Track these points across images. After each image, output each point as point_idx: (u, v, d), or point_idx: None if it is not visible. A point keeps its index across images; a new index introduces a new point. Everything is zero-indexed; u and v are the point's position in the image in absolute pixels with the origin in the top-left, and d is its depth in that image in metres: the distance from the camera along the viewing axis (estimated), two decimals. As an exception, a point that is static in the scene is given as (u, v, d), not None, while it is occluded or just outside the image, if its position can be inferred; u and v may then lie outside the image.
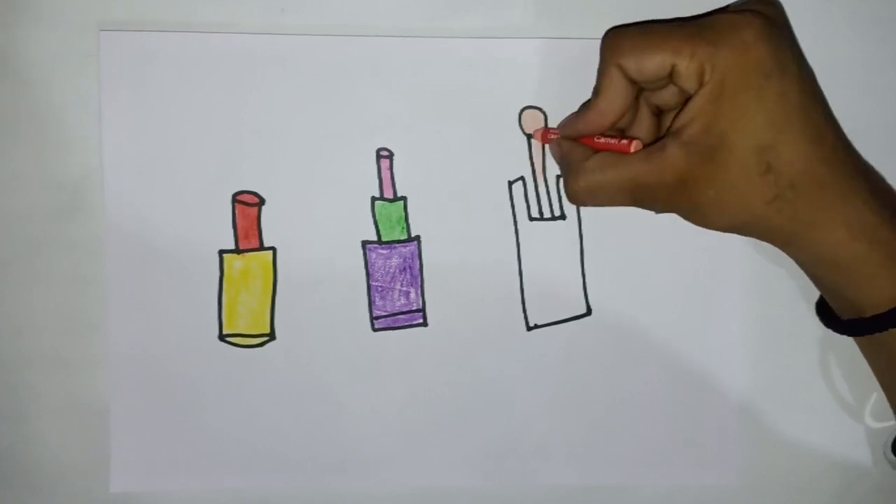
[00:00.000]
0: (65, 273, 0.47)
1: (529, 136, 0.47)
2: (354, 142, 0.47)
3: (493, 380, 0.48)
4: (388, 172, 0.47)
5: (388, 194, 0.47)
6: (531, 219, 0.47)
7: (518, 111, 0.47)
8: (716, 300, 0.48)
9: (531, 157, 0.47)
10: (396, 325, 0.47)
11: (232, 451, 0.48)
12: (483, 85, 0.47)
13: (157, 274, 0.47)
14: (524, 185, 0.47)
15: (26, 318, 0.47)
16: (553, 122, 0.47)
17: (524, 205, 0.47)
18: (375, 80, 0.47)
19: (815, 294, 0.47)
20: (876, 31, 0.48)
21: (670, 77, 0.40)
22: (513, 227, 0.47)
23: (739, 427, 0.48)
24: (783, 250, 0.42)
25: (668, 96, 0.43)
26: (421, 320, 0.47)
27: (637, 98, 0.43)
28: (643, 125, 0.44)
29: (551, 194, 0.47)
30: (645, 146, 0.41)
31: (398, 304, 0.47)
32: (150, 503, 0.48)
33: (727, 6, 0.44)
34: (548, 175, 0.47)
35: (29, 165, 0.46)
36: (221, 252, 0.47)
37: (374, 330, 0.47)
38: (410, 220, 0.47)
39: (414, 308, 0.47)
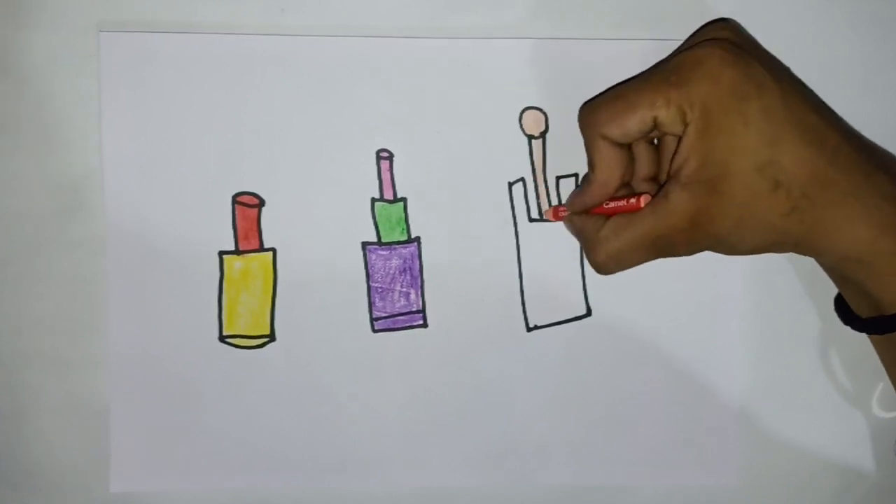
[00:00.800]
0: (65, 273, 0.47)
1: (530, 137, 0.47)
2: (354, 142, 0.47)
3: (494, 380, 0.48)
4: (388, 173, 0.47)
5: (388, 195, 0.47)
6: (531, 220, 0.47)
7: (518, 111, 0.47)
8: (716, 300, 0.48)
9: (531, 158, 0.47)
10: (396, 326, 0.47)
11: (232, 451, 0.48)
12: (483, 85, 0.47)
13: (157, 274, 0.47)
14: (524, 185, 0.47)
15: (26, 318, 0.47)
16: (553, 123, 0.47)
17: (524, 206, 0.47)
18: (375, 80, 0.47)
19: (815, 295, 0.47)
20: (876, 31, 0.48)
21: (656, 128, 0.41)
22: (513, 228, 0.47)
23: (739, 427, 0.48)
24: (814, 258, 0.42)
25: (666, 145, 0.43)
26: (421, 321, 0.47)
27: (630, 148, 0.43)
28: (643, 161, 0.44)
29: (551, 195, 0.47)
30: (652, 196, 0.41)
31: (398, 305, 0.47)
32: (150, 503, 0.48)
33: (686, 42, 0.44)
34: (548, 176, 0.47)
35: (29, 165, 0.46)
36: (221, 253, 0.47)
37: (374, 331, 0.47)
38: (410, 221, 0.47)
39: (414, 309, 0.47)
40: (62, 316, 0.47)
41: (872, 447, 0.49)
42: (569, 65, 0.47)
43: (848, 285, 0.43)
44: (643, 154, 0.44)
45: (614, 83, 0.45)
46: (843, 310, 0.44)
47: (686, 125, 0.40)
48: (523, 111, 0.47)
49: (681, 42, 0.45)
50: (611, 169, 0.42)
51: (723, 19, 0.45)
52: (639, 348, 0.48)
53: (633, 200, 0.42)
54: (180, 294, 0.47)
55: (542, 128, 0.47)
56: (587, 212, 0.44)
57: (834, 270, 0.43)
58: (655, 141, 0.44)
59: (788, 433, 0.49)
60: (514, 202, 0.47)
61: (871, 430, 0.49)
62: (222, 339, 0.47)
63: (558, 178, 0.47)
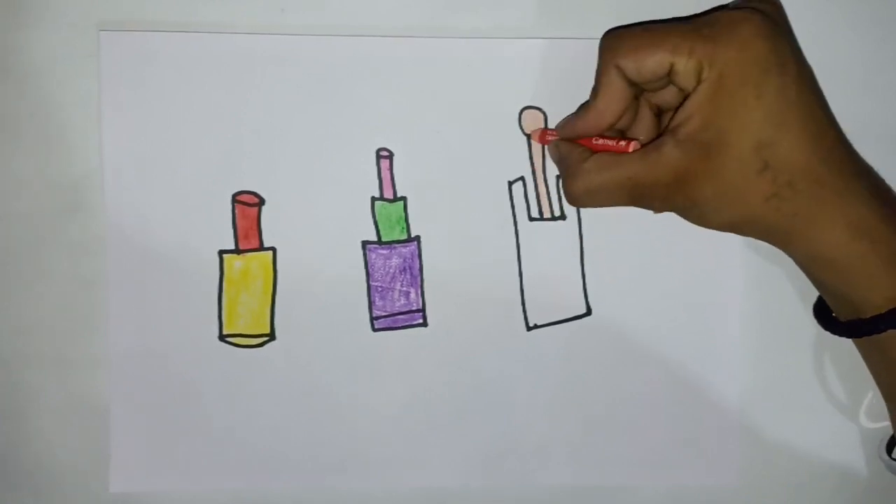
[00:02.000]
0: (65, 273, 0.47)
1: (529, 137, 0.47)
2: (354, 142, 0.47)
3: (493, 380, 0.48)
4: (388, 173, 0.47)
5: (388, 194, 0.47)
6: (531, 219, 0.47)
7: (518, 111, 0.47)
8: (716, 301, 0.48)
9: (531, 158, 0.47)
10: (396, 325, 0.47)
11: (232, 451, 0.48)
12: (483, 85, 0.47)
13: (157, 274, 0.47)
14: (524, 185, 0.47)
15: (26, 318, 0.47)
16: (553, 123, 0.47)
17: (524, 205, 0.47)
18: (375, 80, 0.47)
19: (814, 295, 0.47)
20: (876, 31, 0.48)
21: (669, 76, 0.40)
22: (513, 228, 0.47)
23: (739, 427, 0.48)
24: (782, 249, 0.42)
25: (668, 96, 0.43)
26: (421, 320, 0.47)
27: (637, 98, 0.43)
28: (644, 125, 0.44)
29: (551, 194, 0.47)
30: (643, 145, 0.41)
31: (398, 304, 0.47)
32: (150, 503, 0.48)
33: (726, 4, 0.44)
34: (548, 175, 0.47)
35: (29, 165, 0.46)
36: (221, 252, 0.47)
37: (374, 330, 0.47)
38: (410, 221, 0.47)
39: (414, 308, 0.47)
40: (62, 316, 0.47)
41: (865, 448, 0.49)
42: (569, 65, 0.47)
43: (825, 288, 0.43)
44: (644, 119, 0.44)
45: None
46: (822, 314, 0.44)
47: (699, 83, 0.39)
48: (523, 111, 0.47)
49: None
50: (612, 101, 0.41)
51: None
52: (639, 348, 0.48)
53: (622, 143, 0.42)
54: (180, 294, 0.47)
55: (542, 127, 0.47)
56: (575, 140, 0.44)
57: (810, 272, 0.43)
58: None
59: (788, 433, 0.49)
60: (514, 201, 0.47)
61: (864, 431, 0.49)
62: (222, 338, 0.47)
63: (558, 177, 0.47)
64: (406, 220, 0.47)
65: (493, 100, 0.47)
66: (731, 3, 0.44)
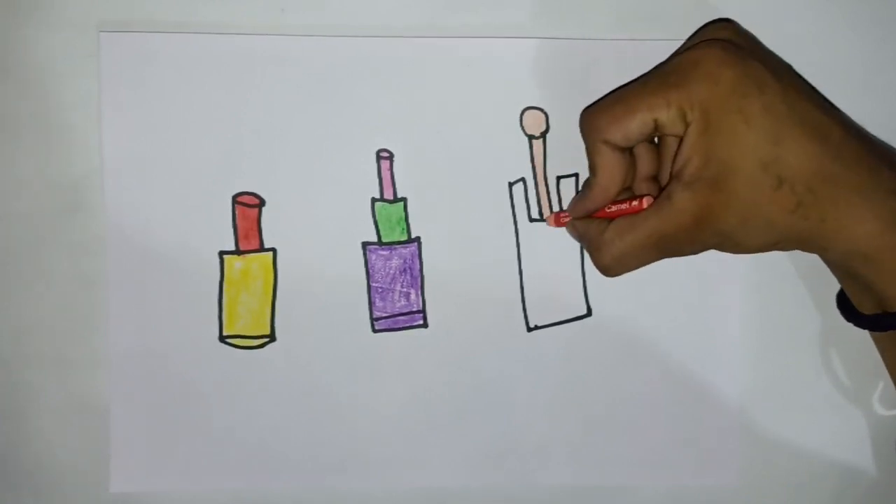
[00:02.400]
0: (65, 273, 0.47)
1: (530, 137, 0.47)
2: (354, 143, 0.47)
3: (494, 381, 0.48)
4: (389, 173, 0.47)
5: (389, 195, 0.47)
6: (531, 220, 0.47)
7: (518, 111, 0.47)
8: (716, 300, 0.48)
9: (532, 158, 0.47)
10: (396, 326, 0.47)
11: (232, 451, 0.48)
12: (483, 85, 0.47)
13: (157, 274, 0.47)
14: (524, 186, 0.47)
15: (27, 318, 0.47)
16: (554, 123, 0.47)
17: (524, 206, 0.47)
18: (375, 80, 0.47)
19: (815, 294, 0.47)
20: (876, 31, 0.48)
21: (657, 131, 0.41)
22: (513, 228, 0.47)
23: (739, 427, 0.48)
24: (821, 255, 0.42)
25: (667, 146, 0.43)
26: (421, 321, 0.47)
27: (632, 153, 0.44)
28: (644, 161, 0.44)
29: (551, 195, 0.47)
30: (655, 197, 0.42)
31: (398, 305, 0.47)
32: (150, 503, 0.48)
33: (685, 43, 0.44)
34: (548, 176, 0.47)
35: (29, 165, 0.46)
36: (222, 253, 0.47)
37: (375, 331, 0.47)
38: (410, 221, 0.47)
39: (414, 309, 0.47)
40: (62, 316, 0.47)
41: (872, 447, 0.49)
42: (569, 65, 0.47)
43: (852, 281, 0.43)
44: (644, 153, 0.44)
45: (614, 83, 0.45)
46: (846, 307, 0.44)
47: (687, 125, 0.40)
48: (524, 111, 0.47)
49: (681, 42, 0.45)
50: (612, 173, 0.42)
51: (723, 19, 0.45)
52: (639, 348, 0.48)
53: (635, 203, 0.42)
54: (180, 294, 0.47)
55: (543, 128, 0.47)
56: (589, 216, 0.44)
57: (839, 267, 0.43)
58: (656, 139, 0.44)
59: (788, 433, 0.49)
60: (515, 202, 0.47)
61: (871, 430, 0.49)
62: (222, 339, 0.47)
63: (559, 177, 0.47)
64: (406, 220, 0.47)
65: (494, 100, 0.47)
66: (687, 41, 0.44)
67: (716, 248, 0.42)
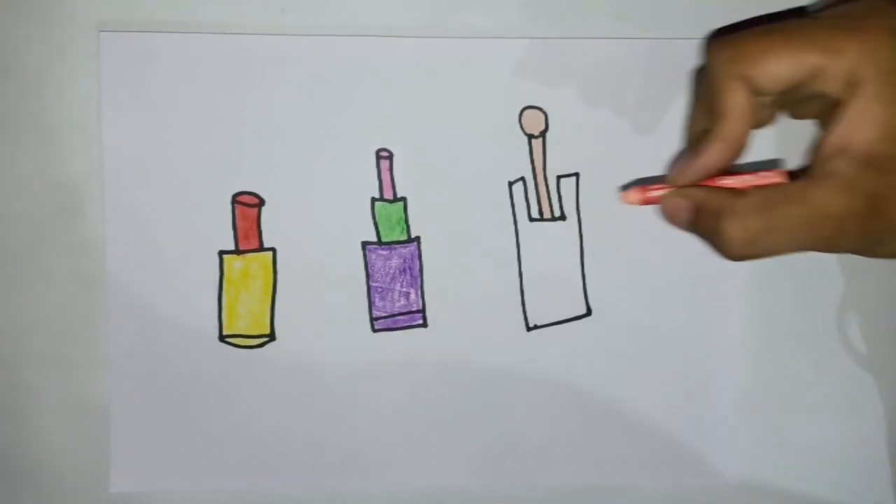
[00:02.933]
0: (65, 273, 0.47)
1: (530, 136, 0.47)
2: (354, 142, 0.47)
3: (493, 380, 0.48)
4: (388, 173, 0.47)
5: (388, 195, 0.47)
6: (531, 219, 0.47)
7: (518, 111, 0.47)
8: (716, 300, 0.48)
9: (531, 158, 0.47)
10: (396, 325, 0.47)
11: (232, 451, 0.48)
12: (483, 85, 0.47)
13: (157, 274, 0.47)
14: (524, 185, 0.47)
15: (26, 318, 0.47)
16: (553, 122, 0.47)
17: (524, 205, 0.47)
18: (375, 80, 0.47)
19: (815, 294, 0.47)
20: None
21: (808, 83, 0.34)
22: (513, 228, 0.47)
23: (740, 427, 0.48)
24: None
25: (802, 109, 0.36)
26: (421, 321, 0.47)
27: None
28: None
29: (551, 195, 0.47)
30: (811, 178, 0.34)
31: (398, 304, 0.47)
32: (150, 503, 0.48)
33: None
34: (548, 176, 0.47)
35: (29, 165, 0.46)
36: (221, 253, 0.47)
37: (374, 331, 0.47)
38: (410, 221, 0.47)
39: (414, 309, 0.47)
40: (62, 316, 0.47)
41: (873, 446, 0.49)
42: (569, 64, 0.47)
43: None
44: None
45: (614, 83, 0.45)
46: None
47: (856, 89, 0.33)
48: (523, 110, 0.47)
49: (681, 41, 0.45)
50: (744, 122, 0.34)
51: None
52: (639, 348, 0.48)
53: (766, 174, 0.35)
54: (180, 294, 0.47)
55: (542, 127, 0.47)
56: (697, 184, 0.37)
57: None
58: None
59: (789, 433, 0.49)
60: (515, 202, 0.47)
61: (872, 429, 0.49)
62: (222, 338, 0.47)
63: (559, 177, 0.47)
64: (406, 220, 0.47)
65: (493, 100, 0.47)
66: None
67: (868, 249, 0.35)
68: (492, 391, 0.48)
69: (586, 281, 0.48)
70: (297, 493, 0.48)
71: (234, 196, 0.47)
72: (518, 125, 0.47)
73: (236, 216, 0.47)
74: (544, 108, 0.47)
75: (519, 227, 0.47)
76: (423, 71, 0.47)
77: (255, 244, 0.47)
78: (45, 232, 0.47)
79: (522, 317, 0.48)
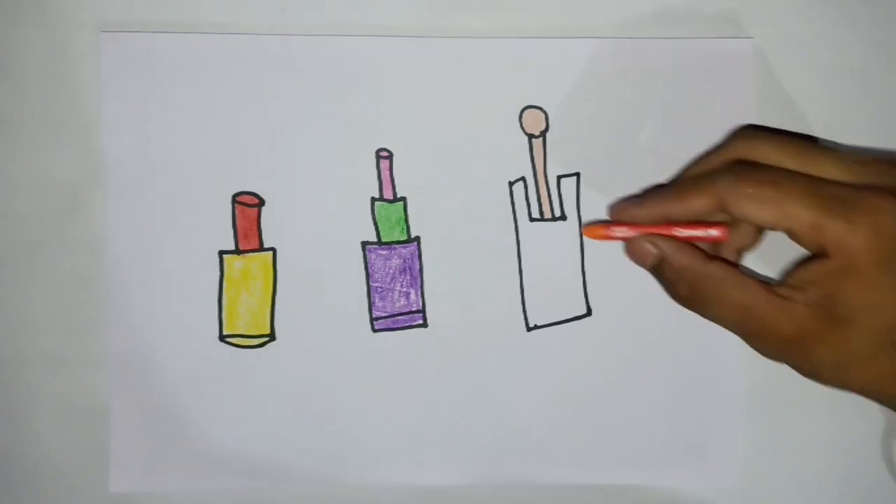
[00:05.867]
0: (65, 273, 0.47)
1: (530, 136, 0.47)
2: (354, 142, 0.47)
3: (493, 380, 0.48)
4: (388, 173, 0.47)
5: (388, 195, 0.47)
6: (532, 219, 0.47)
7: (518, 111, 0.47)
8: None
9: (532, 158, 0.47)
10: (396, 325, 0.47)
11: (232, 451, 0.48)
12: (483, 85, 0.47)
13: (157, 274, 0.47)
14: (525, 185, 0.47)
15: (26, 318, 0.47)
16: (554, 122, 0.47)
17: (524, 205, 0.47)
18: (375, 80, 0.47)
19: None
20: (876, 31, 0.48)
21: (787, 233, 0.39)
22: (513, 228, 0.47)
23: (740, 427, 0.48)
24: None
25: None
26: (421, 321, 0.47)
27: None
28: (742, 236, 0.43)
29: (552, 195, 0.47)
30: (771, 285, 0.40)
31: (398, 304, 0.47)
32: (150, 503, 0.48)
33: (868, 159, 0.41)
34: (548, 176, 0.47)
35: (29, 165, 0.46)
36: (221, 253, 0.47)
37: (374, 331, 0.47)
38: (410, 221, 0.47)
39: (414, 309, 0.47)
40: (62, 316, 0.47)
41: (875, 446, 0.49)
42: (569, 64, 0.47)
43: None
44: (749, 231, 0.43)
45: (614, 83, 0.45)
46: None
47: (824, 255, 0.38)
48: (523, 110, 0.47)
49: (680, 41, 0.45)
50: (689, 214, 0.40)
51: None
52: (639, 348, 0.48)
53: (712, 231, 0.41)
54: (180, 294, 0.47)
55: (543, 127, 0.47)
56: (653, 227, 0.42)
57: None
58: None
59: (790, 433, 0.49)
60: (515, 202, 0.47)
61: (872, 429, 0.49)
62: (222, 338, 0.47)
63: (559, 177, 0.47)
64: (406, 220, 0.47)
65: (493, 100, 0.47)
66: (872, 161, 0.40)
67: (791, 366, 0.41)
68: (492, 391, 0.48)
69: (586, 281, 0.48)
70: (297, 493, 0.48)
71: (234, 196, 0.47)
72: (518, 125, 0.47)
73: (236, 216, 0.47)
74: (544, 108, 0.47)
75: (519, 227, 0.47)
76: (423, 71, 0.47)
77: (255, 244, 0.47)
78: (45, 232, 0.47)
79: (522, 317, 0.48)
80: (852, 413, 0.49)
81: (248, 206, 0.47)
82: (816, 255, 0.39)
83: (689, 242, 0.41)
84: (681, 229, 0.41)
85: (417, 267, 0.47)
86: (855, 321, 0.38)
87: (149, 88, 0.46)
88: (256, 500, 0.48)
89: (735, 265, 0.42)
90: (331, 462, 0.48)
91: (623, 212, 0.43)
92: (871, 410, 0.49)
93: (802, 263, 0.40)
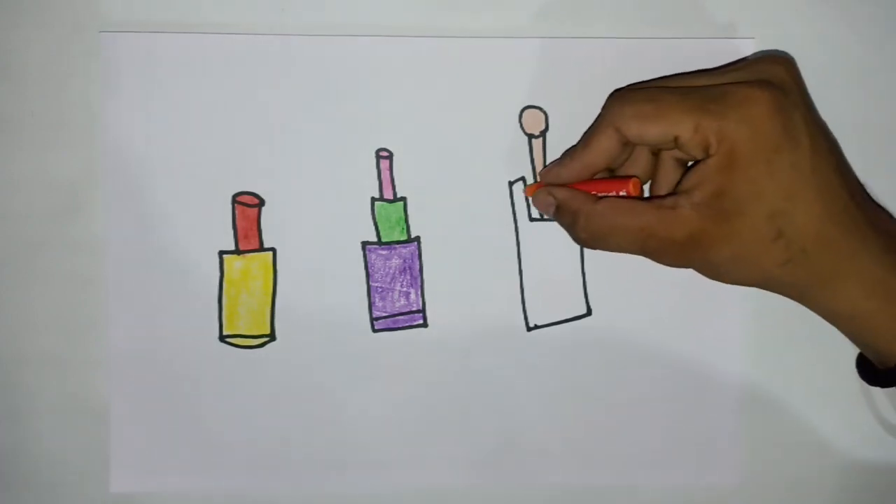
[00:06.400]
0: (65, 273, 0.47)
1: (530, 136, 0.47)
2: (354, 142, 0.47)
3: (494, 380, 0.48)
4: (388, 173, 0.47)
5: (388, 195, 0.47)
6: (531, 219, 0.47)
7: (518, 111, 0.47)
8: (716, 300, 0.48)
9: (532, 158, 0.47)
10: (396, 325, 0.47)
11: (232, 451, 0.48)
12: (483, 85, 0.47)
13: (157, 274, 0.47)
14: (525, 185, 0.47)
15: (26, 318, 0.47)
16: (554, 122, 0.47)
17: (525, 205, 0.47)
18: (375, 80, 0.47)
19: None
20: (876, 31, 0.48)
21: (673, 145, 0.41)
22: (513, 228, 0.47)
23: (740, 426, 0.48)
24: (803, 305, 0.43)
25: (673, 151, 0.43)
26: (421, 321, 0.47)
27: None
28: (639, 164, 0.44)
29: (551, 195, 0.47)
30: (655, 196, 0.42)
31: (398, 304, 0.47)
32: (150, 503, 0.48)
33: (738, 66, 0.43)
34: (548, 176, 0.47)
35: (29, 166, 0.46)
36: (221, 253, 0.47)
37: (374, 331, 0.47)
38: (410, 221, 0.47)
39: (414, 309, 0.47)
40: (62, 316, 0.47)
41: (874, 445, 0.49)
42: (569, 64, 0.47)
43: (853, 340, 0.43)
44: (640, 158, 0.44)
45: (614, 83, 0.45)
46: (864, 368, 0.45)
47: (708, 156, 0.40)
48: (523, 110, 0.47)
49: (680, 41, 0.45)
50: (602, 156, 0.42)
51: (783, 56, 0.44)
52: (639, 348, 0.48)
53: (623, 187, 0.42)
54: (180, 294, 0.47)
55: (543, 127, 0.47)
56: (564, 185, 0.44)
57: (834, 324, 0.43)
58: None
59: (790, 432, 0.49)
60: (515, 202, 0.47)
61: (873, 428, 0.49)
62: (222, 338, 0.47)
63: (558, 177, 0.47)
64: (406, 220, 0.47)
65: (493, 100, 0.47)
66: (743, 64, 0.43)
67: (696, 270, 0.42)
68: (492, 391, 0.48)
69: (586, 281, 0.48)
70: (297, 493, 0.48)
71: (234, 196, 0.47)
72: (518, 125, 0.47)
73: (236, 216, 0.47)
74: (544, 108, 0.47)
75: (519, 227, 0.47)
76: (423, 71, 0.47)
77: (256, 244, 0.47)
78: (45, 232, 0.47)
79: (522, 317, 0.48)
80: (852, 413, 0.49)
81: (248, 206, 0.47)
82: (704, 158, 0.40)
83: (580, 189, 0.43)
84: (598, 191, 0.43)
85: (417, 267, 0.47)
86: (741, 213, 0.39)
87: (149, 88, 0.46)
88: (256, 500, 0.48)
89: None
90: (331, 462, 0.48)
91: (548, 174, 0.44)
92: (870, 410, 0.49)
93: (689, 169, 0.41)
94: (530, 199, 0.46)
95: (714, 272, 0.42)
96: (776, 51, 0.46)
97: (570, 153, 0.44)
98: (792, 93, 0.40)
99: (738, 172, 0.39)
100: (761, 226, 0.40)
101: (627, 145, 0.42)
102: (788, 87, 0.41)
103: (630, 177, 0.42)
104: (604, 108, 0.42)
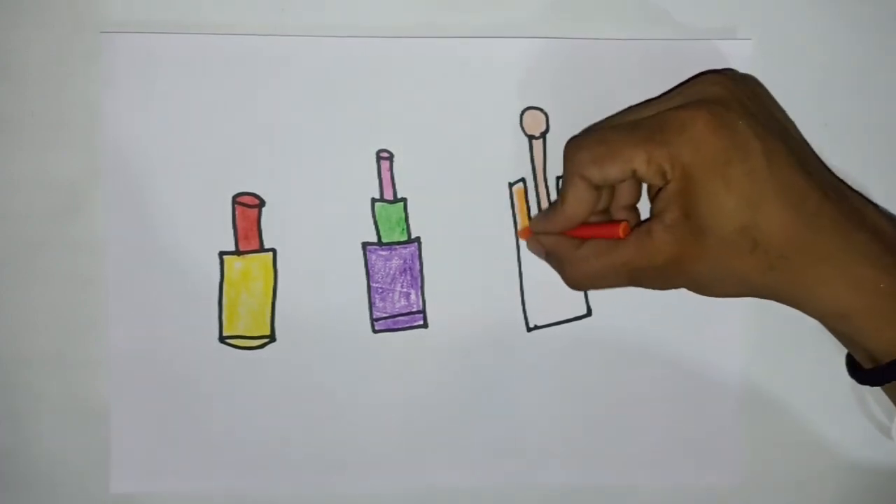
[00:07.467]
0: (65, 273, 0.47)
1: (531, 137, 0.47)
2: (354, 143, 0.47)
3: (494, 381, 0.48)
4: (388, 174, 0.47)
5: (388, 196, 0.47)
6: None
7: (519, 111, 0.47)
8: (716, 300, 0.48)
9: (532, 159, 0.47)
10: (397, 326, 0.47)
11: (232, 451, 0.48)
12: (483, 85, 0.47)
13: (157, 275, 0.47)
14: (525, 186, 0.47)
15: (26, 318, 0.47)
16: (554, 122, 0.47)
17: (525, 206, 0.47)
18: (375, 80, 0.47)
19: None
20: (876, 31, 0.48)
21: (635, 177, 0.41)
22: (513, 228, 0.47)
23: (741, 426, 0.48)
24: (795, 308, 0.43)
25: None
26: (421, 322, 0.47)
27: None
28: (625, 192, 0.44)
29: (552, 196, 0.47)
30: (633, 228, 0.42)
31: (398, 305, 0.47)
32: (150, 503, 0.48)
33: (677, 90, 0.43)
34: (548, 176, 0.47)
35: (29, 166, 0.46)
36: (221, 253, 0.47)
37: (375, 331, 0.47)
38: (410, 222, 0.47)
39: (414, 309, 0.47)
40: (62, 316, 0.47)
41: (875, 445, 0.49)
42: (569, 65, 0.47)
43: (841, 338, 0.43)
44: (625, 185, 0.44)
45: (614, 83, 0.45)
46: (853, 365, 0.45)
47: (667, 181, 0.40)
48: (524, 111, 0.47)
49: (680, 41, 0.45)
50: (580, 207, 0.42)
51: (719, 72, 0.44)
52: (639, 348, 0.48)
53: (611, 228, 0.42)
54: (180, 294, 0.47)
55: (543, 128, 0.47)
56: (556, 234, 0.45)
57: (823, 324, 0.43)
58: None
59: (790, 432, 0.49)
60: (515, 202, 0.47)
61: (873, 428, 0.49)
62: (222, 339, 0.47)
63: (559, 178, 0.47)
64: (406, 221, 0.47)
65: (494, 100, 0.47)
66: (681, 88, 0.43)
67: (685, 288, 0.43)
68: (492, 391, 0.48)
69: (586, 281, 0.48)
70: (297, 493, 0.48)
71: (235, 196, 0.47)
72: (519, 126, 0.47)
73: (236, 217, 0.47)
74: (545, 109, 0.47)
75: (519, 227, 0.47)
76: (423, 71, 0.47)
77: (256, 245, 0.47)
78: (45, 232, 0.47)
79: (522, 317, 0.48)
80: (852, 413, 0.49)
81: (248, 206, 0.47)
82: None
83: (570, 236, 0.44)
84: (589, 236, 0.44)
85: (418, 267, 0.47)
86: (710, 229, 0.40)
87: (149, 89, 0.46)
88: (256, 500, 0.48)
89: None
90: (331, 462, 0.48)
91: (537, 224, 0.45)
92: (870, 410, 0.49)
93: (654, 196, 0.42)
94: (527, 245, 0.47)
95: (701, 289, 0.42)
96: (715, 70, 0.46)
97: (553, 208, 0.44)
98: (731, 106, 0.40)
99: (696, 192, 0.40)
100: (735, 239, 0.40)
101: (597, 190, 0.42)
102: (726, 101, 0.41)
103: (619, 221, 0.43)
104: (564, 159, 0.43)
